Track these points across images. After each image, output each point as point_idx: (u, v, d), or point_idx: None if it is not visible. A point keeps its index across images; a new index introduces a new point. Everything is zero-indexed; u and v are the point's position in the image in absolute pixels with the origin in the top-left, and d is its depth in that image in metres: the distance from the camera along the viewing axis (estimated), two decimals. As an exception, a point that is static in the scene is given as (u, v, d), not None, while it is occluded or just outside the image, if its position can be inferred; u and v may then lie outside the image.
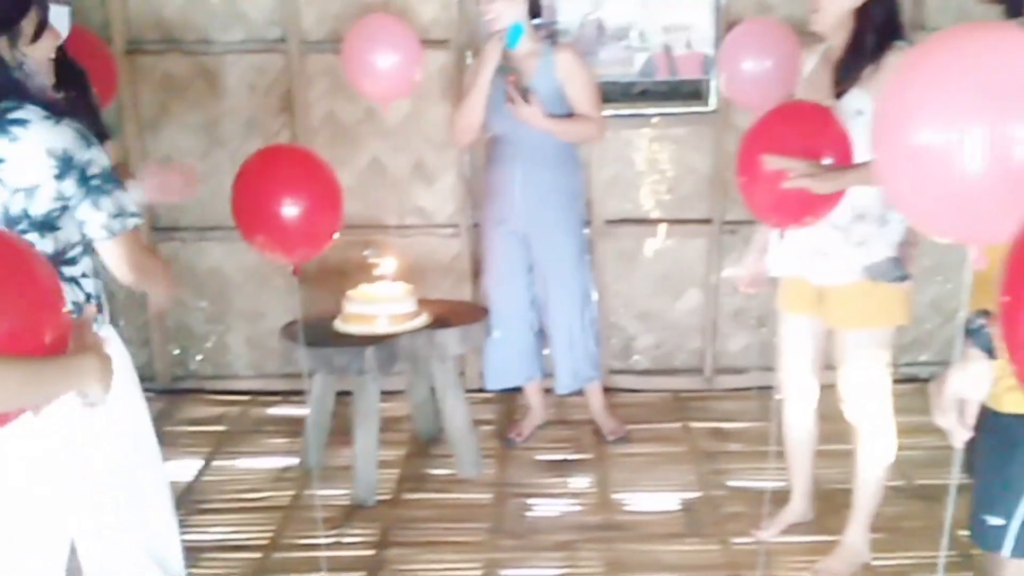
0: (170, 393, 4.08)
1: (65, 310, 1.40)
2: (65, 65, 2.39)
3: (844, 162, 2.21)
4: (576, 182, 3.36)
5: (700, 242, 4.00)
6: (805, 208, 2.27)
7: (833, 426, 2.73)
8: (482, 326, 3.20)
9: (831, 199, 2.24)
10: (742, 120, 3.83)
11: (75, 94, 2.40)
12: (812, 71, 2.53)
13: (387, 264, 3.21)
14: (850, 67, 2.32)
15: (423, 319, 3.13)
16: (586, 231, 3.49)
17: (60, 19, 2.26)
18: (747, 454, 3.45)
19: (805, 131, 2.26)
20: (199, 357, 4.14)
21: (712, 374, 4.10)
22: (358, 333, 3.03)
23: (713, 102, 3.86)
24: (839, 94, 2.35)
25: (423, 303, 3.28)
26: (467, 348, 3.18)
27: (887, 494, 2.68)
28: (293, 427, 3.61)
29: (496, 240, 3.36)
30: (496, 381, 3.50)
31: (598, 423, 3.54)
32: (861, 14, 2.30)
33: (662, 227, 3.97)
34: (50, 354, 1.34)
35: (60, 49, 2.33)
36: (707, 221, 3.97)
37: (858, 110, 2.31)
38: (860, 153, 2.22)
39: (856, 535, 2.66)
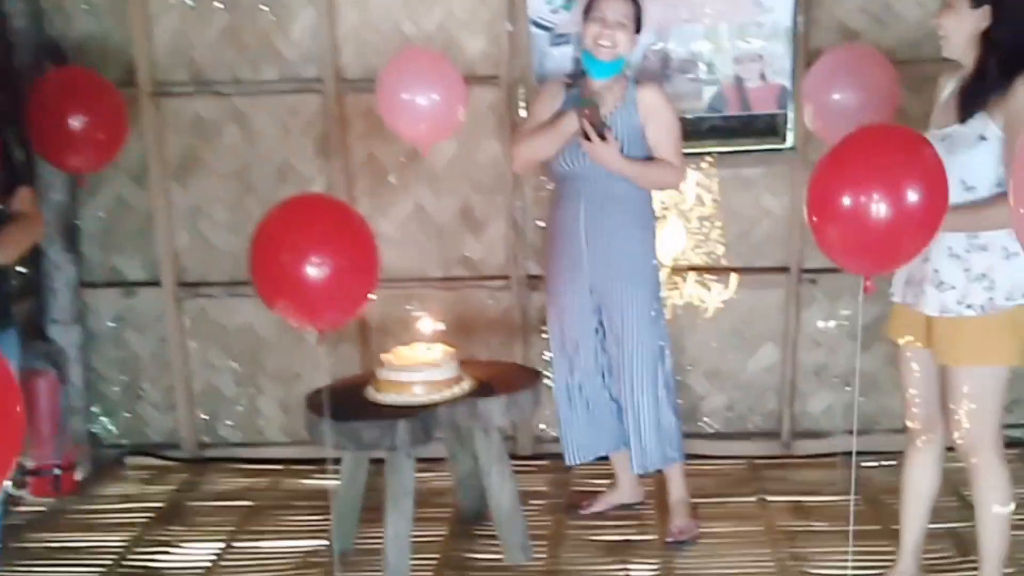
0: (196, 462, 3.78)
1: None
2: None
3: (936, 192, 2.01)
4: (650, 228, 2.95)
5: (776, 292, 3.59)
6: (891, 252, 2.07)
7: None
8: (531, 394, 2.82)
9: (922, 242, 2.07)
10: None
11: None
12: (948, 96, 2.38)
13: (424, 325, 2.87)
14: (975, 93, 2.23)
15: (464, 386, 2.77)
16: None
17: None
18: (832, 534, 3.01)
19: (890, 160, 2.02)
20: (229, 422, 3.84)
21: (790, 439, 3.66)
22: (391, 403, 2.69)
23: (790, 138, 3.47)
24: (963, 119, 2.25)
25: (467, 365, 2.93)
26: (513, 418, 2.81)
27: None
28: (326, 501, 3.25)
29: (562, 294, 2.99)
30: (577, 455, 3.09)
31: (670, 512, 3.07)
32: (984, 39, 2.23)
33: (733, 276, 3.58)
34: None
35: None
36: (783, 269, 3.56)
37: (980, 135, 2.22)
38: (976, 179, 2.23)
39: None
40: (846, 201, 2.02)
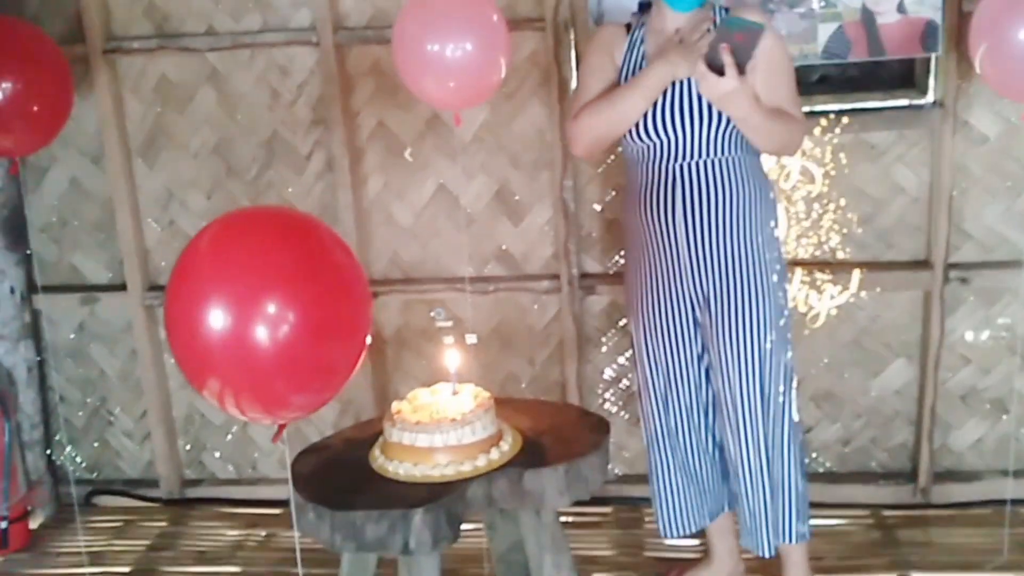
0: (178, 504, 3.09)
1: None
2: None
3: None
4: (772, 214, 2.16)
5: (911, 295, 2.76)
6: None
7: None
8: (599, 457, 2.04)
9: None
10: (980, 118, 2.59)
11: None
12: None
13: (451, 358, 2.09)
14: None
15: (505, 447, 2.00)
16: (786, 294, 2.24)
17: None
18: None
19: None
20: (216, 454, 3.13)
21: (929, 482, 2.84)
22: (404, 478, 1.93)
23: (933, 91, 2.60)
24: None
25: (506, 409, 2.16)
26: (575, 496, 2.04)
27: None
28: (334, 568, 2.53)
29: (653, 313, 2.21)
30: (675, 526, 2.33)
31: None
32: None
33: (855, 273, 2.74)
34: None
35: None
36: (922, 264, 2.72)
37: None
38: None
39: None
40: None
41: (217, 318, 1.33)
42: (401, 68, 2.31)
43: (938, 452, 2.83)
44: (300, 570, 1.64)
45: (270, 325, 1.34)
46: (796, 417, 2.22)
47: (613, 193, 2.80)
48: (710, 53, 1.87)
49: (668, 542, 2.64)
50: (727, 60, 1.84)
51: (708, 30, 2.00)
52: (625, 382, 2.92)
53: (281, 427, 1.51)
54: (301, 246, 1.41)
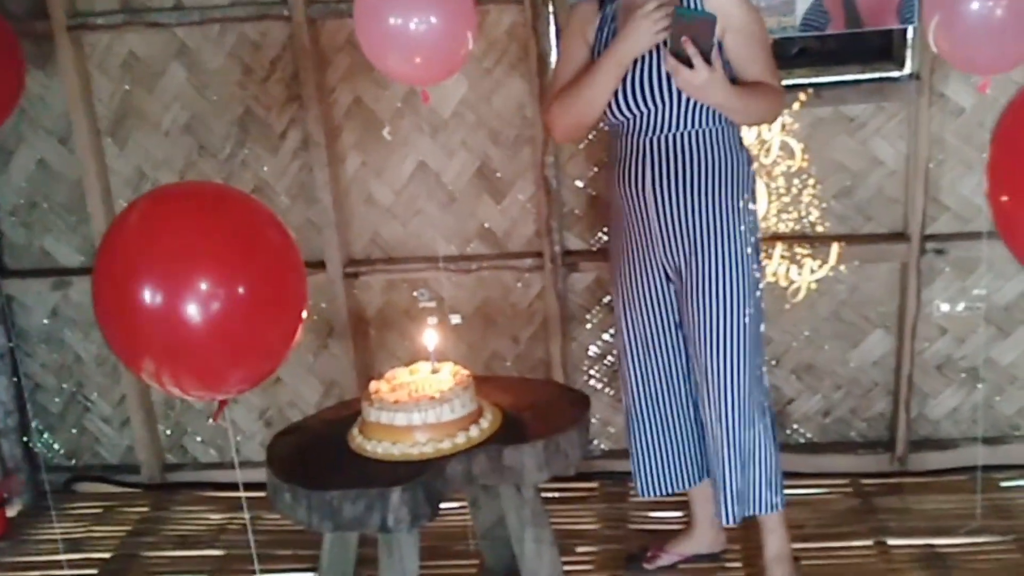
0: (159, 489, 3.07)
1: None
2: None
3: None
4: (745, 187, 2.13)
5: (889, 267, 2.77)
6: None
7: None
8: (578, 433, 2.04)
9: None
10: (957, 90, 2.59)
11: None
12: None
13: (429, 337, 2.08)
14: None
15: (484, 424, 2.00)
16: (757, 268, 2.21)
17: None
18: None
19: None
20: (198, 438, 3.11)
21: (906, 451, 2.87)
22: (383, 456, 1.92)
23: (911, 63, 2.60)
24: None
25: (486, 386, 2.15)
26: (555, 472, 2.04)
27: None
28: (316, 549, 2.52)
29: (629, 282, 2.22)
30: (651, 487, 2.34)
31: (766, 571, 2.31)
32: None
33: (834, 247, 2.75)
34: None
35: None
36: (899, 236, 2.73)
37: None
38: None
39: None
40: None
41: (148, 296, 1.32)
42: (363, 42, 2.27)
43: (915, 421, 2.86)
44: (254, 551, 1.63)
45: (203, 301, 1.33)
46: (767, 389, 2.22)
47: (595, 169, 2.78)
48: (674, 47, 1.87)
49: (655, 517, 2.68)
50: (691, 51, 1.85)
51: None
52: (610, 359, 2.92)
53: (222, 404, 1.50)
54: (232, 221, 1.40)
